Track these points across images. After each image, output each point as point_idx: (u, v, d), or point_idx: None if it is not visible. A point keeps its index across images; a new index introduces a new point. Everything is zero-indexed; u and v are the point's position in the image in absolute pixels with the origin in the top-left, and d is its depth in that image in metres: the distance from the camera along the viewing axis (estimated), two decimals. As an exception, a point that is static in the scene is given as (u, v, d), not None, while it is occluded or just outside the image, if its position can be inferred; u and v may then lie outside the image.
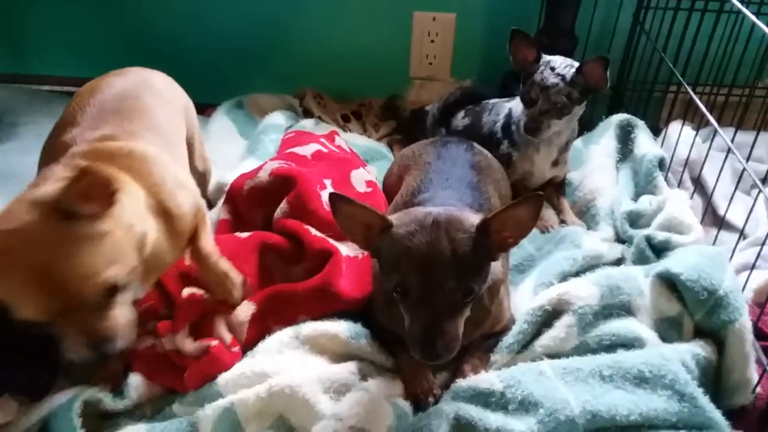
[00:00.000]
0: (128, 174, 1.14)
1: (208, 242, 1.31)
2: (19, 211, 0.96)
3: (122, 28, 2.27)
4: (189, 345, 1.25)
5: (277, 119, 2.02)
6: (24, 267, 0.94)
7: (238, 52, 2.28)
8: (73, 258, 0.95)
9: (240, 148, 1.95)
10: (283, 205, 1.51)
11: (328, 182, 1.59)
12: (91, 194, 0.96)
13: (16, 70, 2.36)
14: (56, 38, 2.32)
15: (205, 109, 2.10)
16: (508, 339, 1.28)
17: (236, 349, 1.27)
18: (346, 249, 1.46)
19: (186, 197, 1.24)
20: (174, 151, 1.37)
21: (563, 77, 1.58)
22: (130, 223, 1.05)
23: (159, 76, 1.53)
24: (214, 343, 1.24)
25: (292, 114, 2.12)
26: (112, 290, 1.00)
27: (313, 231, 1.45)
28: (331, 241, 1.44)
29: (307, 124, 2.02)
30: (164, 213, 1.18)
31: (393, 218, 1.10)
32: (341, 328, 1.28)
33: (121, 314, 1.02)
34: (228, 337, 1.28)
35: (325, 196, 1.52)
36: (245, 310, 1.31)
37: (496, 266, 1.23)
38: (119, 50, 2.24)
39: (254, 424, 1.13)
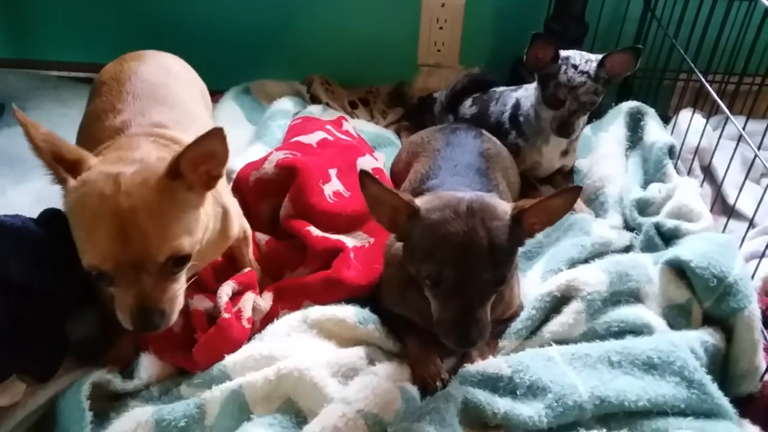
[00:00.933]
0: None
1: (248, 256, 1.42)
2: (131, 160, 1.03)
3: (130, 13, 2.27)
4: (202, 303, 1.27)
5: (285, 105, 2.02)
6: (111, 211, 0.96)
7: (246, 39, 2.27)
8: (161, 215, 0.99)
9: (247, 134, 1.94)
10: (286, 203, 1.52)
11: (333, 172, 1.59)
12: (210, 159, 1.01)
13: (23, 55, 2.36)
14: (64, 24, 2.32)
15: (212, 95, 2.09)
16: (517, 325, 1.28)
17: (248, 325, 1.28)
18: (352, 240, 1.47)
19: (236, 215, 1.31)
20: None
21: (588, 74, 1.56)
22: (207, 209, 1.10)
23: (174, 59, 1.54)
24: (226, 315, 1.25)
25: (299, 100, 2.11)
26: (179, 260, 1.02)
27: (315, 232, 1.45)
28: (335, 237, 1.45)
29: (314, 110, 2.01)
30: (222, 211, 1.23)
31: (421, 202, 1.10)
32: (349, 313, 1.28)
33: (176, 289, 1.04)
34: (249, 309, 1.29)
35: (328, 189, 1.53)
36: (267, 299, 1.35)
37: None
38: (127, 36, 2.24)
39: (262, 407, 1.13)
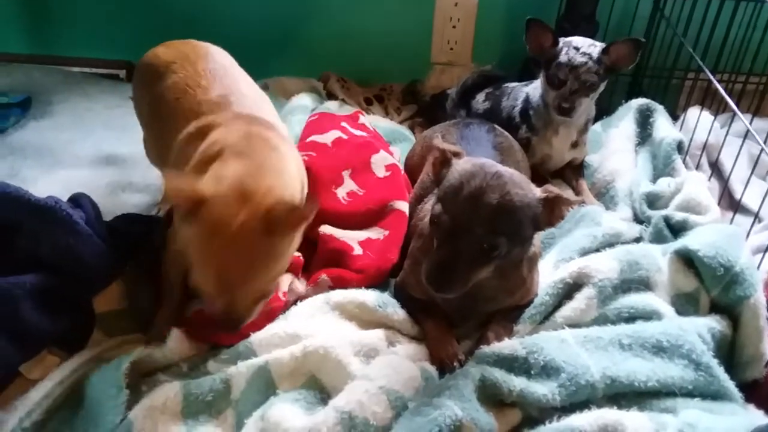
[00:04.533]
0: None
1: None
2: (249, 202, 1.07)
3: (149, 12, 2.32)
4: None
5: (304, 101, 2.07)
6: (221, 257, 1.06)
7: (264, 37, 2.32)
8: (257, 271, 1.09)
9: (267, 129, 1.99)
10: None
11: (346, 173, 1.63)
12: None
13: (48, 51, 2.42)
14: (86, 22, 2.38)
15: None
16: (530, 310, 1.32)
17: (283, 298, 1.34)
18: (367, 233, 1.52)
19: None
20: (276, 119, 1.47)
21: (590, 56, 1.62)
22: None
23: (218, 48, 1.56)
24: None
25: (317, 96, 2.16)
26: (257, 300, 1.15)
27: (326, 230, 1.50)
28: (347, 234, 1.49)
29: (331, 106, 2.06)
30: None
31: (459, 159, 1.18)
32: (369, 297, 1.33)
33: (259, 307, 1.18)
34: (285, 286, 1.35)
35: (341, 191, 1.59)
36: (302, 285, 1.41)
37: (537, 239, 1.29)
38: (147, 34, 2.25)
39: (287, 383, 1.18)
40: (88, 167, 1.78)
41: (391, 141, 1.97)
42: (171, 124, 1.30)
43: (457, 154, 1.21)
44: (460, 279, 1.12)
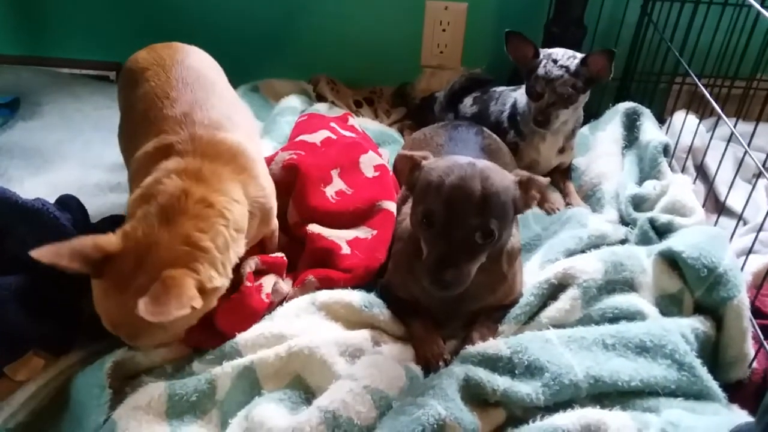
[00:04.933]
0: (241, 176, 1.24)
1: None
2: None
3: (140, 13, 2.32)
4: None
5: (293, 102, 2.07)
6: (112, 314, 1.09)
7: (254, 40, 2.33)
8: (148, 333, 1.10)
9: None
10: (290, 207, 1.57)
11: (335, 173, 1.64)
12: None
13: (37, 53, 2.41)
14: (76, 23, 2.37)
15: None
16: (515, 310, 1.33)
17: (266, 299, 1.33)
18: (355, 232, 1.52)
19: (275, 203, 1.38)
20: (252, 126, 1.50)
21: (567, 68, 1.62)
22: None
23: (202, 51, 1.57)
24: (247, 284, 1.30)
25: (306, 98, 2.17)
26: None
27: (314, 228, 1.50)
28: (335, 233, 1.50)
29: (321, 108, 2.06)
30: (261, 212, 1.30)
31: (429, 161, 1.21)
32: (355, 298, 1.34)
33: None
34: (268, 287, 1.35)
35: (330, 190, 1.59)
36: (287, 286, 1.41)
37: (516, 234, 1.31)
38: (137, 35, 2.24)
39: (272, 383, 1.18)
40: (76, 168, 1.77)
41: (380, 143, 1.98)
42: (138, 136, 1.30)
43: (424, 158, 1.24)
44: (465, 272, 1.13)
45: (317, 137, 1.74)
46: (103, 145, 1.84)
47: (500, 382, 1.15)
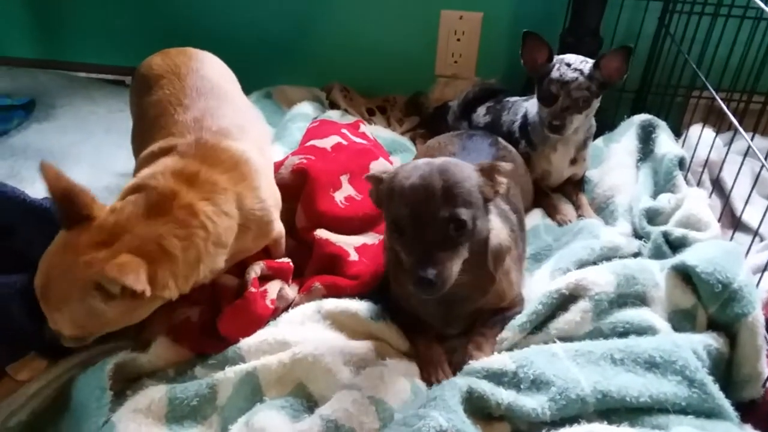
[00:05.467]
0: (238, 187, 1.23)
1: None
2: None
3: (155, 19, 2.34)
4: (230, 280, 1.32)
5: (305, 109, 2.07)
6: (47, 272, 1.09)
7: (269, 46, 2.33)
8: (64, 310, 1.07)
9: (267, 136, 1.99)
10: (299, 211, 1.56)
11: (344, 178, 1.63)
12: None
13: (55, 56, 2.44)
14: (92, 28, 2.40)
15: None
16: (521, 318, 1.30)
17: (271, 305, 1.32)
18: (363, 239, 1.52)
19: (277, 215, 1.36)
20: (263, 134, 1.49)
21: (581, 71, 1.60)
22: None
23: (216, 58, 1.58)
24: (252, 290, 1.29)
25: (319, 105, 2.16)
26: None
27: (321, 234, 1.49)
28: (343, 239, 1.49)
29: (333, 115, 2.06)
30: (257, 225, 1.28)
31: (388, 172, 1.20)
32: (362, 308, 1.32)
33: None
34: (274, 293, 1.34)
35: (339, 195, 1.59)
36: (294, 290, 1.40)
37: (501, 231, 1.28)
38: (152, 41, 2.26)
39: (274, 390, 1.17)
40: (87, 170, 1.78)
41: (392, 151, 1.97)
42: (148, 140, 1.31)
43: (383, 173, 1.21)
44: (447, 268, 1.09)
45: (328, 142, 1.73)
46: (115, 148, 1.85)
47: (505, 396, 1.12)
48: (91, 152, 1.87)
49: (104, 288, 1.04)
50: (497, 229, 1.27)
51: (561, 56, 1.66)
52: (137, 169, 1.27)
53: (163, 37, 2.30)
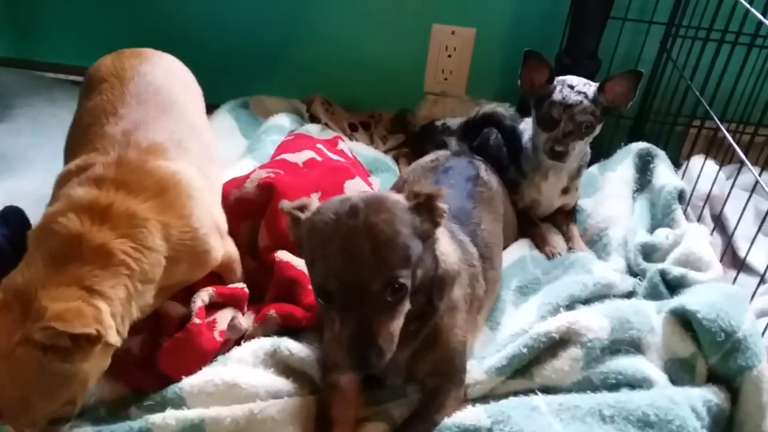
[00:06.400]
0: (164, 216, 1.10)
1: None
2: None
3: (129, 19, 2.26)
4: (176, 308, 1.20)
5: (282, 121, 1.96)
6: None
7: (249, 53, 2.24)
8: (32, 395, 0.93)
9: (240, 148, 1.89)
10: (262, 229, 1.45)
11: (315, 196, 1.49)
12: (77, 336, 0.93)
13: (21, 55, 2.35)
14: (63, 27, 2.31)
15: (210, 110, 2.05)
16: (501, 361, 1.17)
17: (219, 338, 1.20)
18: None
19: (217, 242, 1.22)
20: (208, 151, 1.36)
21: (585, 95, 1.50)
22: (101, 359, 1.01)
23: (175, 61, 1.49)
24: (196, 321, 1.17)
25: (297, 117, 2.06)
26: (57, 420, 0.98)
27: (282, 256, 1.37)
28: (302, 265, 1.36)
29: (312, 129, 1.96)
30: (190, 256, 1.15)
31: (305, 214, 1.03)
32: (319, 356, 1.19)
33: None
34: (224, 323, 1.22)
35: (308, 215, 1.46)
36: (248, 319, 1.28)
37: (449, 256, 1.14)
38: (125, 43, 2.19)
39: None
40: (40, 176, 1.66)
41: (373, 170, 1.86)
42: (74, 152, 1.20)
43: (302, 208, 1.04)
44: (386, 343, 0.94)
45: (300, 157, 1.62)
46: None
47: None
48: (47, 157, 1.76)
49: (56, 348, 0.92)
50: (445, 254, 1.13)
51: (562, 77, 1.55)
52: (53, 193, 1.16)
53: (139, 40, 2.20)
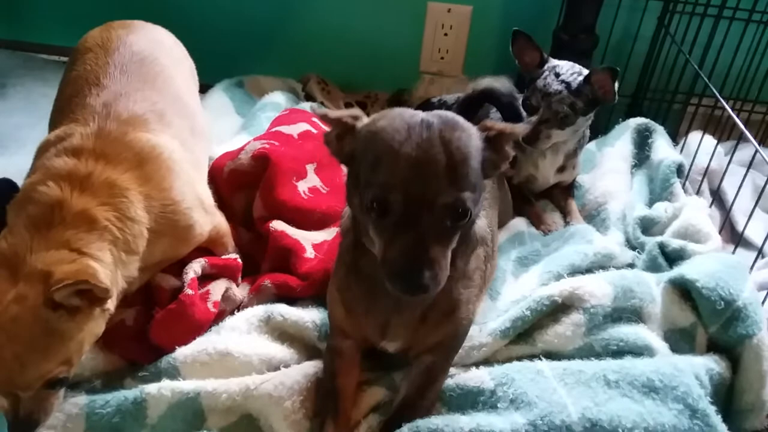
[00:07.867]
0: (144, 187, 1.08)
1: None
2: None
3: (123, 0, 2.20)
4: (168, 281, 1.19)
5: (277, 98, 1.94)
6: None
7: (244, 32, 2.20)
8: (29, 353, 0.92)
9: (235, 126, 1.86)
10: (257, 200, 1.43)
11: (311, 167, 1.50)
12: (85, 294, 0.93)
13: (13, 36, 2.30)
14: (55, 9, 2.26)
15: (202, 89, 2.03)
16: (504, 323, 1.16)
17: (213, 309, 1.18)
18: (323, 235, 1.40)
19: (201, 217, 1.20)
20: (194, 125, 1.34)
21: (568, 85, 1.47)
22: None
23: (166, 33, 1.47)
24: (189, 292, 1.15)
25: (292, 96, 2.03)
26: (53, 383, 0.97)
27: (277, 226, 1.36)
28: (299, 233, 1.36)
29: (307, 108, 1.92)
30: (173, 230, 1.13)
31: (364, 122, 0.95)
32: (314, 319, 1.19)
33: (54, 401, 0.99)
34: (217, 294, 1.20)
35: (303, 185, 1.45)
36: (243, 289, 1.27)
37: (481, 220, 1.10)
38: None
39: (218, 417, 1.04)
40: (32, 153, 1.63)
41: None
42: (56, 123, 1.19)
43: (356, 117, 0.94)
44: (442, 267, 0.86)
45: (295, 129, 1.60)
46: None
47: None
48: (38, 136, 1.69)
49: (65, 306, 0.92)
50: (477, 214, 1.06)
51: (554, 63, 1.52)
52: (32, 164, 1.14)
53: (130, 17, 2.19)
